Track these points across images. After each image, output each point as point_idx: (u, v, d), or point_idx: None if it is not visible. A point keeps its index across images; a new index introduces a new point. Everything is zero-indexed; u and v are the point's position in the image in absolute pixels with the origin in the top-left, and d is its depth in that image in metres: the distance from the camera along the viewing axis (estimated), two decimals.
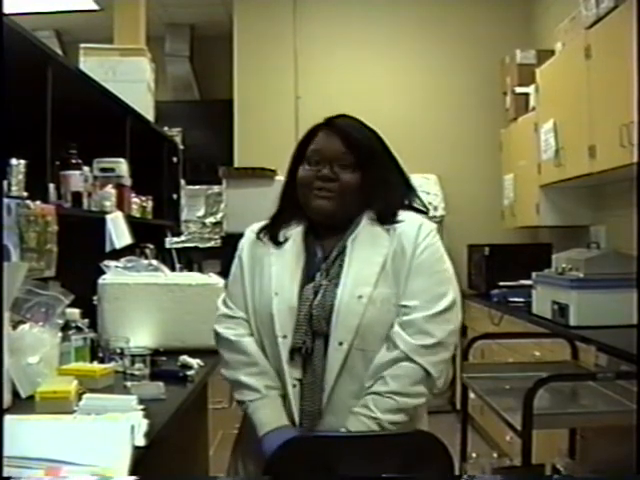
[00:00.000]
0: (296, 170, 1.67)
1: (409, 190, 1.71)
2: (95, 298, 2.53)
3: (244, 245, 1.73)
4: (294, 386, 1.56)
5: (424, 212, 1.70)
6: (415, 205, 1.70)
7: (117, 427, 1.52)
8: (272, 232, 1.70)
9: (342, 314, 1.54)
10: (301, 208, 1.68)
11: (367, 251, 1.60)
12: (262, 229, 1.72)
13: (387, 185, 1.64)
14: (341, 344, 1.53)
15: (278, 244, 1.67)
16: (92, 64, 3.59)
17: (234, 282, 1.72)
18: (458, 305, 1.61)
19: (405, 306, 1.56)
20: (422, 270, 1.58)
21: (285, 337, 1.57)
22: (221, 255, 5.17)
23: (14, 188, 2.11)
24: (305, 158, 1.65)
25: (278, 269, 1.63)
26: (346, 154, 1.60)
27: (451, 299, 1.58)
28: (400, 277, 1.57)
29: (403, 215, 1.64)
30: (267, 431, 1.55)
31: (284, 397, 1.59)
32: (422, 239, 1.60)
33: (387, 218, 1.62)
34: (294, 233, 1.68)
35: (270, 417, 1.57)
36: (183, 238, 5.14)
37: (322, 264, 1.62)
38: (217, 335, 1.70)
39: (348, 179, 1.60)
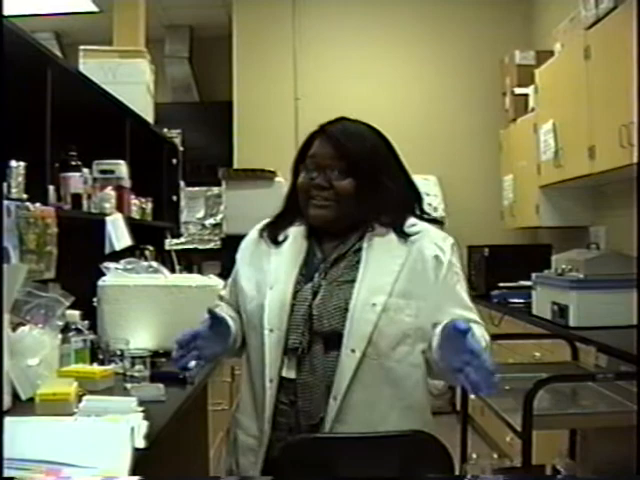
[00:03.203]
0: (298, 174, 1.67)
1: (413, 195, 1.70)
2: (95, 300, 2.53)
3: (245, 244, 1.76)
4: (271, 381, 1.55)
5: (439, 222, 1.71)
6: (426, 215, 1.70)
7: (117, 429, 1.52)
8: (274, 231, 1.71)
9: (355, 321, 1.53)
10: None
11: (382, 259, 1.59)
12: (265, 227, 1.74)
13: (386, 191, 1.62)
14: (353, 351, 1.52)
15: (278, 243, 1.68)
16: (91, 66, 3.60)
17: (230, 281, 1.77)
18: None
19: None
20: (460, 289, 1.62)
21: (272, 331, 1.56)
22: (221, 256, 5.18)
23: (14, 190, 2.11)
24: (304, 164, 1.65)
25: (276, 265, 1.64)
26: (338, 161, 1.59)
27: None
28: (420, 291, 1.57)
29: (419, 226, 1.64)
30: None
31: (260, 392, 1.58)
32: (450, 255, 1.62)
33: (397, 225, 1.62)
34: (295, 232, 1.68)
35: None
36: (183, 240, 5.14)
37: (321, 265, 1.62)
38: None
39: (342, 186, 1.59)
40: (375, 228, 1.62)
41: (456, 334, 1.35)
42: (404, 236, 1.61)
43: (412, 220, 1.65)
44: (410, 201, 1.69)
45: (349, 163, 1.59)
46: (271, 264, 1.65)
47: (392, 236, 1.61)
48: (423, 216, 1.70)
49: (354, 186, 1.59)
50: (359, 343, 1.52)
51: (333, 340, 1.54)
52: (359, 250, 1.61)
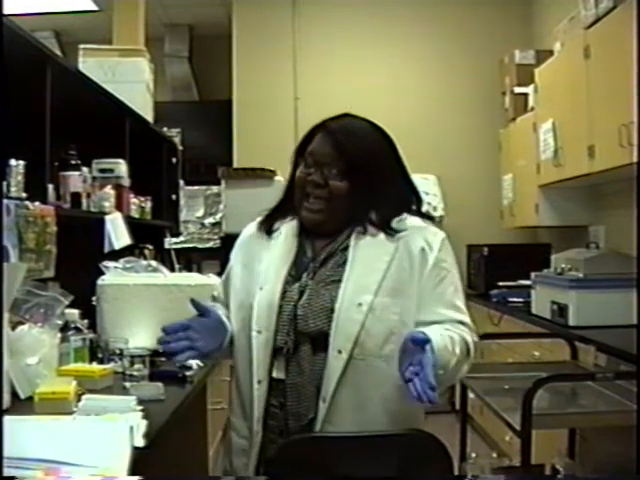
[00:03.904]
0: (297, 166, 1.65)
1: (413, 196, 1.68)
2: (94, 299, 2.53)
3: (240, 242, 1.75)
4: (259, 382, 1.54)
5: (430, 218, 1.68)
6: (421, 210, 1.68)
7: (116, 428, 1.52)
8: (270, 221, 1.69)
9: (341, 321, 1.51)
10: None
11: (369, 257, 1.56)
12: (263, 220, 1.72)
13: (383, 193, 1.60)
14: (340, 352, 1.50)
15: (271, 233, 1.67)
16: (91, 65, 3.60)
17: (224, 279, 1.76)
18: None
19: (445, 321, 1.56)
20: (447, 285, 1.59)
21: (259, 332, 1.55)
22: (220, 255, 5.17)
23: (13, 189, 2.11)
24: (303, 158, 1.63)
25: (267, 266, 1.62)
26: (337, 161, 1.57)
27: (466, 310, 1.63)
28: (407, 288, 1.55)
29: (410, 222, 1.61)
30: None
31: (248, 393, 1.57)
32: (437, 251, 1.58)
33: (387, 225, 1.59)
34: (287, 228, 1.66)
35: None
36: (182, 239, 5.14)
37: (310, 264, 1.61)
38: None
39: (337, 186, 1.57)
40: (366, 227, 1.59)
41: (414, 346, 1.37)
42: (392, 232, 1.58)
43: (402, 216, 1.62)
44: (408, 202, 1.67)
45: (347, 164, 1.57)
46: (262, 264, 1.63)
47: (381, 233, 1.59)
48: (418, 209, 1.67)
49: (349, 188, 1.57)
50: (345, 344, 1.50)
51: (320, 341, 1.53)
52: (346, 249, 1.59)
